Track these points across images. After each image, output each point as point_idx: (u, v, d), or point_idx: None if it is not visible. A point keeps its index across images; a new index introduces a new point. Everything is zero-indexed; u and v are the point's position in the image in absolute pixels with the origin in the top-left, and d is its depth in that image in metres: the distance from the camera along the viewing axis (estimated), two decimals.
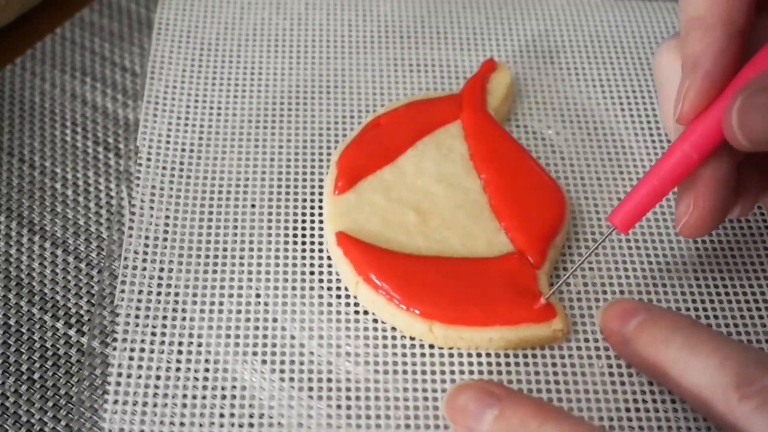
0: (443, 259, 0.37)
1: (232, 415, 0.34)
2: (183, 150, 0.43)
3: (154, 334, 0.37)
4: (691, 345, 0.32)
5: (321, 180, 0.42)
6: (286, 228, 0.40)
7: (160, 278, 0.38)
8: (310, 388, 0.35)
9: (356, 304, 0.37)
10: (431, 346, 0.36)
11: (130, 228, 0.40)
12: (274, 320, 0.37)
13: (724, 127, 0.32)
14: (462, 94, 0.43)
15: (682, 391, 0.32)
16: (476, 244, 0.38)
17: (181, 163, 0.42)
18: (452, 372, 0.35)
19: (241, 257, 0.39)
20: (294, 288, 0.38)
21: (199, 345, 0.36)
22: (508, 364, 0.36)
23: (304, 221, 0.40)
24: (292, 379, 0.35)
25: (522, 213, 0.38)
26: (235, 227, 0.40)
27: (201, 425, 0.34)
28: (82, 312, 0.40)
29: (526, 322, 0.36)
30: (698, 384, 0.31)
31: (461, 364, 0.36)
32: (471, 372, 0.35)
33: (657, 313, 0.34)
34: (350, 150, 0.41)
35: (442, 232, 0.38)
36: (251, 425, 0.34)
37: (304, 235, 0.40)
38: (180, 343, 0.36)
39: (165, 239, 0.39)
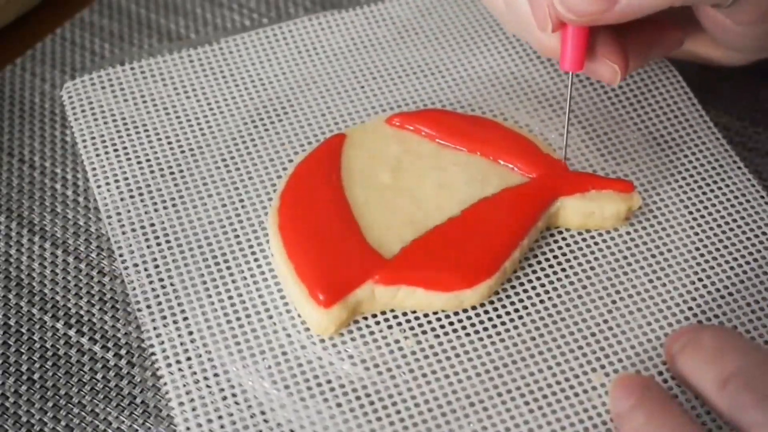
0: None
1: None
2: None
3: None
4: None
5: None
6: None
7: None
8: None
9: None
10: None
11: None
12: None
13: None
14: (561, 171, 0.40)
15: None
16: (384, 233, 0.38)
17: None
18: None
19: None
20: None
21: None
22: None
23: None
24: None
25: (428, 254, 0.38)
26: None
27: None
28: (82, 312, 0.40)
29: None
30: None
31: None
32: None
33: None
34: None
35: (380, 204, 0.39)
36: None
37: None
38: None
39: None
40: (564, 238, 0.39)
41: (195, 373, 0.35)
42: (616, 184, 0.40)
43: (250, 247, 0.39)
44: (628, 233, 0.40)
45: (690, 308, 0.37)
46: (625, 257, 0.39)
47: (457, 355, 0.36)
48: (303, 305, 0.36)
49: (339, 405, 0.34)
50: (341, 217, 0.38)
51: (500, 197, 0.39)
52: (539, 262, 0.39)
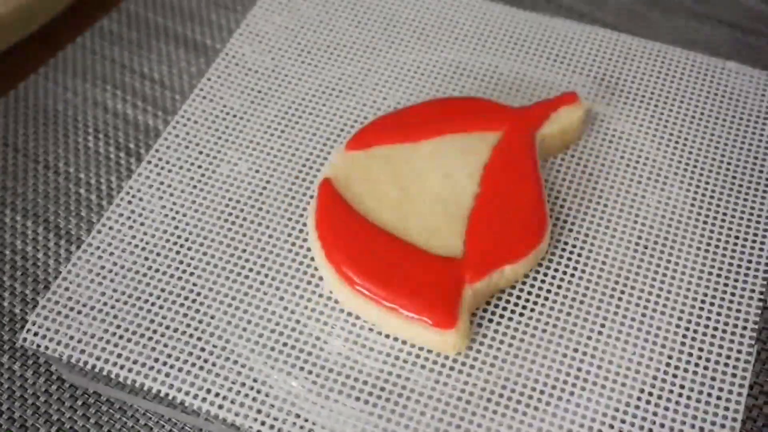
0: (395, 238, 0.37)
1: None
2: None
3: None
4: None
5: None
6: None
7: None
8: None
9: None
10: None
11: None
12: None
13: None
14: (522, 111, 0.42)
15: None
16: (433, 238, 0.38)
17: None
18: (482, 366, 0.36)
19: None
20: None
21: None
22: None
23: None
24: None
25: (489, 235, 0.38)
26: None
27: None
28: None
29: (422, 317, 0.36)
30: None
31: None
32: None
33: None
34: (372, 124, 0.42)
35: (410, 217, 0.38)
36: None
37: None
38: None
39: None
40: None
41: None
42: (562, 99, 0.42)
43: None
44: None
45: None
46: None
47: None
48: (424, 336, 0.36)
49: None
50: (390, 244, 0.37)
51: (497, 158, 0.40)
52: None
